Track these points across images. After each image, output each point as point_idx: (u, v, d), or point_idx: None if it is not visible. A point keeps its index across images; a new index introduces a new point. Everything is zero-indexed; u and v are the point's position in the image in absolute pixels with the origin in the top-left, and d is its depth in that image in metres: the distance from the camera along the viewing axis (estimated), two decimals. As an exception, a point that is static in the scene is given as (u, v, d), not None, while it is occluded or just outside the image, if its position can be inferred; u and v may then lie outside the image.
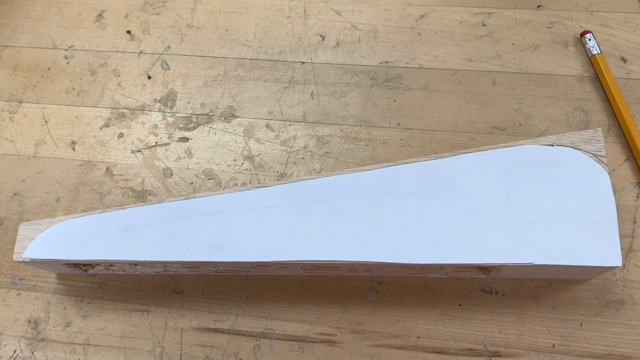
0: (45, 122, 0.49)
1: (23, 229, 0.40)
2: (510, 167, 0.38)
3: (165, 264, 0.42)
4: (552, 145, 0.38)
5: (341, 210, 0.37)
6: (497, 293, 0.41)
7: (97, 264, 0.43)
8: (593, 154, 0.38)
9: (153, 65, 0.51)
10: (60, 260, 0.39)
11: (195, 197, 0.39)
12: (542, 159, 0.38)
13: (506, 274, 0.39)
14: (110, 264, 0.43)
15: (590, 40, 0.46)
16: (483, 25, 0.49)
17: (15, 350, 0.42)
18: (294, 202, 0.38)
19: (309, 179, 0.39)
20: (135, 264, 0.42)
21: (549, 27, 0.49)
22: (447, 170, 0.38)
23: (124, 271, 0.43)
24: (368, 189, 0.38)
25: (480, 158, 0.38)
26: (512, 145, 0.39)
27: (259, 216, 0.38)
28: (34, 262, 0.40)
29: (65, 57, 0.52)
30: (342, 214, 0.37)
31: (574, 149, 0.38)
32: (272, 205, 0.38)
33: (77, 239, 0.39)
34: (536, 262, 0.35)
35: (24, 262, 0.39)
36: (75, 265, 0.42)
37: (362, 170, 0.39)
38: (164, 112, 0.49)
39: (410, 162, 0.39)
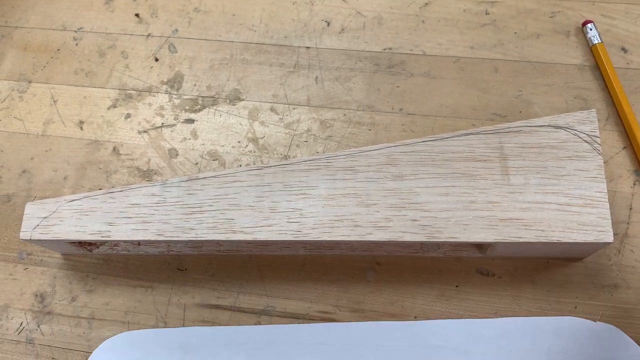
0: (54, 101, 0.50)
1: (30, 208, 0.41)
2: (553, 338, 0.39)
3: (169, 245, 0.43)
4: (596, 321, 0.40)
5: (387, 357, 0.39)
6: (493, 275, 0.42)
7: (102, 244, 0.44)
8: (587, 134, 0.39)
9: (160, 48, 0.51)
10: (67, 240, 0.40)
11: (199, 178, 0.40)
12: (585, 334, 0.39)
13: (501, 251, 0.40)
14: (115, 244, 0.44)
15: (591, 30, 0.47)
16: (486, 13, 0.50)
17: (22, 323, 0.43)
18: (343, 343, 0.40)
19: (356, 322, 0.41)
20: (139, 243, 0.43)
21: (551, 17, 0.49)
22: (491, 330, 0.40)
23: (128, 251, 0.44)
24: (415, 340, 0.40)
25: (525, 324, 0.40)
26: (515, 132, 0.40)
27: (309, 352, 0.40)
28: (40, 242, 0.41)
29: (75, 39, 0.53)
30: None
31: (617, 329, 0.39)
32: (323, 343, 0.40)
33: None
34: (529, 239, 0.36)
35: (30, 240, 0.40)
36: (80, 244, 0.43)
37: (363, 152, 0.40)
38: (170, 94, 0.49)
39: (455, 319, 0.41)
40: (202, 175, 0.40)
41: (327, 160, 0.40)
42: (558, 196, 0.38)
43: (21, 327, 0.43)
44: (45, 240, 0.40)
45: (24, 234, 0.40)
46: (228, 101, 0.49)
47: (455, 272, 0.42)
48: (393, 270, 0.42)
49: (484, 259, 0.42)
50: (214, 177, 0.40)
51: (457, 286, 0.41)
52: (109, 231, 0.39)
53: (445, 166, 0.39)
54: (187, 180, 0.40)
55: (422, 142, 0.40)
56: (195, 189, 0.40)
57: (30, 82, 0.51)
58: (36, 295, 0.44)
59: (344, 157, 0.40)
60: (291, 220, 0.38)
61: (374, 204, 0.39)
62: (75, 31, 0.53)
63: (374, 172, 0.40)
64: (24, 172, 0.48)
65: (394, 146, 0.40)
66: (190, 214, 0.39)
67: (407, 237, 0.37)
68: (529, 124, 0.40)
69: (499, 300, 0.41)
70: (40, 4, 0.55)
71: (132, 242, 0.42)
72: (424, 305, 0.41)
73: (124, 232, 0.39)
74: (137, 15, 0.53)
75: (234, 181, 0.40)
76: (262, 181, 0.40)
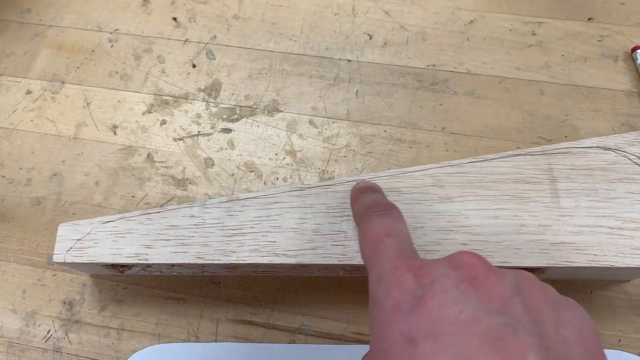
0: (87, 104, 0.49)
1: (62, 230, 0.40)
2: None
3: (203, 266, 0.42)
4: None
5: None
6: (536, 304, 0.41)
7: (134, 265, 0.43)
8: (637, 156, 0.38)
9: (198, 54, 0.50)
10: (102, 263, 0.39)
11: (239, 199, 0.39)
12: None
13: (548, 274, 0.39)
14: (147, 265, 0.43)
15: (641, 56, 0.46)
16: (533, 34, 0.49)
17: (49, 330, 0.42)
18: None
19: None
20: (173, 264, 0.42)
21: (599, 40, 0.48)
22: None
23: (161, 272, 0.43)
24: None
25: None
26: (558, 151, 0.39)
27: None
28: (73, 264, 0.40)
29: (110, 40, 0.52)
30: None
31: None
32: None
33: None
34: (581, 264, 0.36)
35: (64, 263, 0.39)
36: (113, 266, 0.42)
37: (407, 173, 0.39)
38: (207, 101, 0.48)
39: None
40: (242, 195, 0.39)
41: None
42: (609, 220, 0.37)
43: (48, 335, 0.42)
44: (79, 263, 0.39)
45: (57, 257, 0.39)
46: (266, 112, 0.48)
47: (497, 298, 0.41)
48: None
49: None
50: (255, 197, 0.39)
51: (498, 313, 0.40)
52: (147, 254, 0.38)
53: (494, 188, 0.38)
54: (226, 201, 0.39)
55: (469, 163, 0.39)
56: (236, 210, 0.39)
57: (63, 82, 0.50)
58: (64, 303, 0.43)
59: (387, 177, 0.39)
60: (336, 244, 0.37)
61: (421, 227, 0.38)
62: (111, 32, 0.52)
63: (419, 194, 0.39)
64: (54, 175, 0.47)
65: (440, 167, 0.39)
66: (231, 236, 0.38)
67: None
68: (577, 145, 0.39)
69: (541, 330, 0.40)
70: (75, 3, 0.54)
71: (166, 264, 0.41)
72: (464, 332, 0.40)
73: (162, 254, 0.38)
74: (174, 19, 0.52)
75: (275, 202, 0.39)
76: (304, 202, 0.39)
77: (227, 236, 0.39)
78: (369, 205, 0.34)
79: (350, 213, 0.38)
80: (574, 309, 0.26)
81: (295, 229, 0.38)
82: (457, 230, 0.37)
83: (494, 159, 0.39)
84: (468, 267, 0.26)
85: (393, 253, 0.29)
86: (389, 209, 0.34)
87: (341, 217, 0.38)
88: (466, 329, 0.23)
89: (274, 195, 0.39)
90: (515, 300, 0.25)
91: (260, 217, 0.39)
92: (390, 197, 0.38)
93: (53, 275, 0.44)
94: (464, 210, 0.38)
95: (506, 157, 0.39)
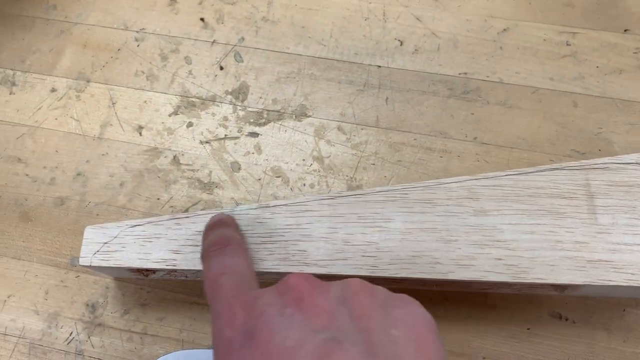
0: (113, 103, 0.49)
1: (89, 232, 0.39)
2: None
3: None
4: None
5: None
6: (567, 320, 0.40)
7: (159, 270, 0.42)
8: None
9: (226, 56, 0.50)
10: (129, 267, 0.38)
11: (269, 206, 0.39)
12: None
13: (582, 292, 0.38)
14: (173, 270, 0.42)
15: (678, 69, 0.45)
16: (567, 44, 0.48)
17: (71, 333, 0.41)
18: None
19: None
20: (199, 270, 0.41)
21: (635, 53, 0.47)
22: None
23: (186, 277, 0.43)
24: None
25: None
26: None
27: None
28: (99, 268, 0.39)
29: (136, 40, 0.51)
30: None
31: None
32: None
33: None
34: (618, 283, 0.35)
35: (90, 267, 0.38)
36: (138, 270, 0.41)
37: (441, 184, 0.38)
38: (235, 104, 0.48)
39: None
40: (272, 202, 0.39)
41: (403, 192, 0.38)
42: None
43: (71, 337, 0.41)
44: (105, 267, 0.38)
45: (83, 260, 0.38)
46: (294, 117, 0.47)
47: (527, 313, 0.40)
48: (461, 307, 0.41)
49: (557, 301, 0.40)
50: (284, 205, 0.39)
51: (528, 329, 0.40)
52: (175, 259, 0.38)
53: (530, 202, 0.38)
54: (256, 208, 0.39)
55: (505, 176, 0.39)
56: (265, 217, 0.38)
57: (88, 81, 0.50)
58: (87, 305, 0.42)
59: (421, 188, 0.39)
60: (367, 255, 0.37)
61: (455, 240, 0.37)
62: (137, 31, 0.51)
63: (454, 206, 0.38)
64: (78, 175, 0.46)
65: (475, 179, 0.39)
66: (261, 243, 0.38)
67: (492, 277, 0.36)
68: (615, 161, 0.39)
69: (572, 347, 0.39)
70: (101, 1, 0.53)
71: (191, 269, 0.41)
72: (493, 347, 0.39)
73: (190, 260, 0.37)
74: (202, 19, 0.51)
75: (306, 210, 0.38)
76: (334, 211, 0.38)
77: (257, 244, 0.38)
78: (209, 244, 0.34)
79: (383, 224, 0.37)
80: (406, 307, 0.26)
81: (326, 238, 0.38)
82: (492, 245, 0.37)
83: (531, 172, 0.38)
84: (293, 290, 0.26)
85: (228, 291, 0.29)
86: (226, 245, 0.33)
87: (372, 227, 0.38)
88: (293, 355, 0.23)
89: (304, 203, 0.39)
90: (341, 312, 0.25)
91: (290, 225, 0.38)
92: (424, 209, 0.38)
93: (76, 277, 0.43)
94: (499, 224, 0.37)
95: (543, 171, 0.38)
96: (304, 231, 0.38)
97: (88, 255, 0.39)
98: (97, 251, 0.39)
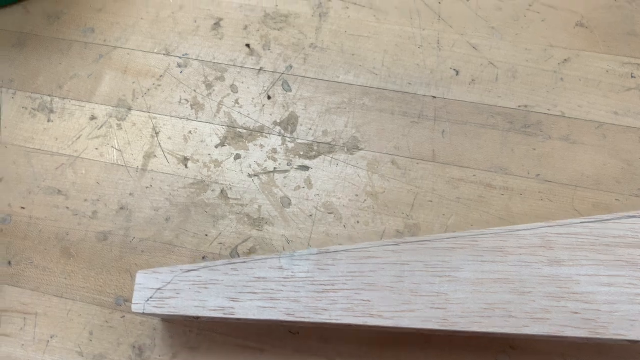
0: (156, 133, 0.47)
1: (142, 278, 0.37)
2: None
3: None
4: None
5: None
6: (639, 372, 0.38)
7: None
8: None
9: (273, 85, 0.48)
10: (184, 316, 0.37)
11: (330, 252, 0.37)
12: None
13: None
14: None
15: None
16: (632, 77, 0.46)
17: (118, 378, 0.40)
18: None
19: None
20: (257, 319, 0.40)
21: None
22: None
23: (237, 319, 0.41)
24: None
25: None
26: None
27: None
28: (153, 315, 0.38)
29: (179, 66, 0.49)
30: None
31: None
32: None
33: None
34: None
35: (143, 314, 0.37)
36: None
37: (513, 232, 0.37)
38: (284, 136, 0.46)
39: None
40: (332, 248, 0.37)
41: (472, 239, 0.37)
42: None
43: (117, 382, 0.40)
44: (160, 314, 0.36)
45: (136, 307, 0.36)
46: (346, 150, 0.45)
47: (597, 364, 0.38)
48: (528, 356, 0.39)
49: (630, 350, 0.39)
50: (346, 251, 0.37)
51: (599, 381, 0.38)
52: (233, 308, 0.36)
53: (607, 252, 0.36)
54: (317, 254, 0.37)
55: (580, 223, 0.37)
56: (327, 263, 0.37)
57: (130, 109, 0.48)
58: (134, 347, 0.41)
59: (491, 236, 0.37)
60: (436, 306, 0.35)
61: (529, 292, 0.35)
62: (180, 57, 0.50)
63: (527, 256, 0.36)
64: (121, 208, 0.45)
65: (548, 226, 0.37)
66: (322, 292, 0.36)
67: (569, 332, 0.34)
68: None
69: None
70: (141, 24, 0.51)
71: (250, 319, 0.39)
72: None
73: (249, 309, 0.36)
74: (247, 45, 0.49)
75: (369, 257, 0.37)
76: (400, 258, 0.37)
77: (318, 292, 0.36)
78: None
79: (452, 273, 0.36)
80: None
81: (391, 287, 0.36)
82: (568, 298, 0.35)
83: (608, 220, 0.36)
84: None
85: None
86: None
87: (441, 277, 0.36)
88: None
89: (367, 249, 0.37)
90: None
91: (353, 272, 0.37)
92: (495, 258, 0.36)
93: (121, 317, 0.42)
94: (575, 275, 0.35)
95: (620, 218, 0.37)
96: (368, 279, 0.36)
97: (141, 302, 0.37)
98: (151, 297, 0.37)
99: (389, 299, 0.35)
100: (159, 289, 0.37)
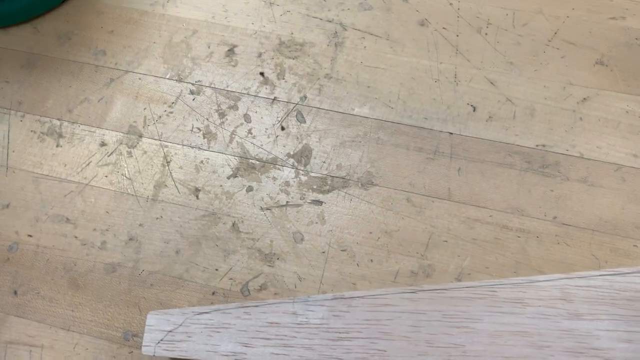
0: (167, 162, 0.46)
1: (152, 319, 0.37)
2: None
3: None
4: None
5: None
6: None
7: None
8: None
9: (287, 115, 0.47)
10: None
11: (344, 298, 0.36)
12: None
13: None
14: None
15: None
16: (652, 118, 0.45)
17: (125, 416, 0.39)
18: None
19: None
20: None
21: None
22: None
23: None
24: None
25: None
26: None
27: None
28: (163, 358, 0.37)
29: (192, 92, 0.48)
30: None
31: None
32: None
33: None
34: None
35: (153, 357, 0.36)
36: None
37: (532, 283, 0.36)
38: (297, 169, 0.45)
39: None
40: (347, 294, 0.36)
41: (491, 289, 0.36)
42: None
43: (124, 420, 0.39)
44: (171, 358, 0.36)
45: (146, 349, 0.36)
46: (360, 185, 0.45)
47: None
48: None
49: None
50: (362, 297, 0.36)
51: None
52: (245, 353, 0.35)
53: (627, 307, 0.35)
54: (331, 299, 0.36)
55: (600, 276, 0.36)
56: (341, 310, 0.36)
57: (141, 136, 0.47)
58: (141, 385, 0.40)
59: (510, 286, 0.36)
60: (452, 358, 0.34)
61: (548, 346, 0.35)
62: (193, 84, 0.49)
63: (546, 308, 0.35)
64: (131, 239, 0.44)
65: (568, 278, 0.36)
66: (337, 340, 0.35)
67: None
68: None
69: None
70: (154, 48, 0.50)
71: None
72: None
73: (261, 355, 0.35)
74: (261, 74, 0.48)
75: (385, 304, 0.36)
76: (416, 307, 0.36)
77: (333, 340, 0.36)
78: None
79: (470, 324, 0.35)
80: None
81: (407, 337, 0.35)
82: (587, 353, 0.34)
83: (628, 273, 0.36)
84: None
85: None
86: None
87: (459, 327, 0.35)
88: None
89: (383, 297, 0.36)
90: None
91: (368, 320, 0.36)
92: (514, 310, 0.35)
93: (129, 353, 0.41)
94: (595, 330, 0.35)
95: None
96: (384, 328, 0.36)
97: (151, 344, 0.36)
98: (161, 340, 0.36)
99: (405, 349, 0.35)
100: (170, 331, 0.36)
